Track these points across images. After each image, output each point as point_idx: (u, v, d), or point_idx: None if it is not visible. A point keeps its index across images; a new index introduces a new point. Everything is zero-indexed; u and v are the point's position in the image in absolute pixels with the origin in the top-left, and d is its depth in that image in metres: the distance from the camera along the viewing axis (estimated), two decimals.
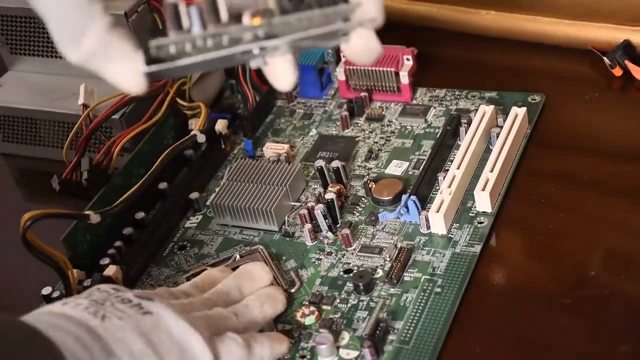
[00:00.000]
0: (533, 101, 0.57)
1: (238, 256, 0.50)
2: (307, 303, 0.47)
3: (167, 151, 0.55)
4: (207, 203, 0.54)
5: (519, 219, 0.50)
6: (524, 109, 0.54)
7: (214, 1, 0.33)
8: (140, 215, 0.53)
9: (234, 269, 0.49)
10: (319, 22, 0.33)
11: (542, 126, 0.55)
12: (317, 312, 0.46)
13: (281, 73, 0.36)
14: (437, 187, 0.52)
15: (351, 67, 0.59)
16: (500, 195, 0.51)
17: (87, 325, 0.37)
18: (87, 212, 0.49)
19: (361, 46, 0.36)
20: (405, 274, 0.48)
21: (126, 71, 0.35)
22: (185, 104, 0.58)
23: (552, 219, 0.49)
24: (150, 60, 0.34)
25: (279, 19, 0.33)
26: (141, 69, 0.34)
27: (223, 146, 0.58)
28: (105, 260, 0.50)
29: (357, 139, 0.57)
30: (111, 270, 0.49)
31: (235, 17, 0.33)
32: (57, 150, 0.62)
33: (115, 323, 0.38)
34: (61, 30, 0.34)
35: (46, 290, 0.49)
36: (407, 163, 0.54)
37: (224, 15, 0.33)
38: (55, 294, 0.49)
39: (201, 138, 0.57)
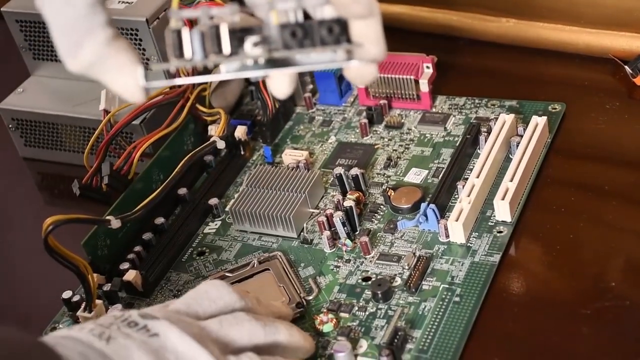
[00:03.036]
0: (553, 110, 0.56)
1: (256, 262, 0.51)
2: (325, 310, 0.47)
3: (187, 157, 0.55)
4: (226, 209, 0.55)
5: (538, 229, 0.49)
6: (544, 118, 0.54)
7: (217, 28, 0.33)
8: (159, 220, 0.53)
9: (249, 277, 0.50)
10: (320, 59, 0.34)
11: (563, 135, 0.55)
12: (335, 320, 0.46)
13: (278, 85, 0.36)
14: (457, 196, 0.51)
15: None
16: (520, 204, 0.50)
17: (92, 346, 0.37)
18: (107, 217, 0.50)
19: (356, 71, 0.36)
20: (423, 282, 0.48)
21: (124, 83, 0.35)
22: (205, 110, 0.59)
23: (572, 228, 0.49)
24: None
25: (281, 53, 0.33)
26: (140, 83, 0.34)
27: (242, 152, 0.58)
28: (125, 265, 0.50)
29: (376, 147, 0.57)
30: (131, 275, 0.50)
31: (238, 38, 0.33)
32: (78, 155, 0.62)
33: (121, 343, 0.37)
34: (62, 40, 0.35)
35: (66, 294, 0.49)
36: (427, 171, 0.54)
37: (226, 47, 0.33)
38: (76, 298, 0.49)
39: (221, 144, 0.57)
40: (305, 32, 0.33)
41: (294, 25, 0.33)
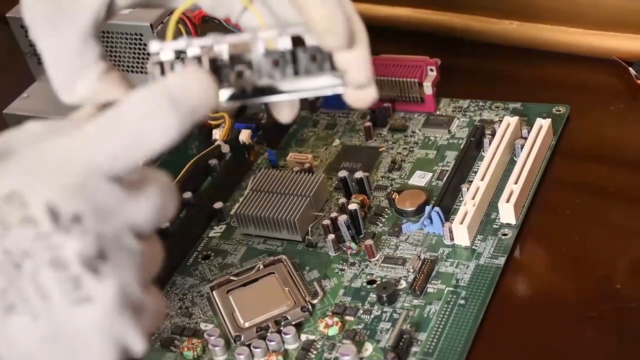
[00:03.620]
0: (558, 112, 0.56)
1: (261, 266, 0.51)
2: (330, 314, 0.47)
3: (191, 161, 0.55)
4: (231, 213, 0.55)
5: (543, 231, 0.49)
6: (549, 120, 0.54)
7: (199, 59, 0.33)
8: (165, 224, 0.53)
9: (254, 281, 0.50)
10: (306, 86, 0.34)
11: (567, 137, 0.55)
12: (340, 323, 0.46)
13: (279, 112, 0.36)
14: (461, 199, 0.51)
15: (375, 77, 0.58)
16: (525, 206, 0.50)
17: None
18: None
19: (352, 96, 0.35)
20: (428, 285, 0.48)
21: None
22: (209, 114, 0.59)
23: (577, 230, 0.49)
24: None
25: (264, 82, 0.33)
26: None
27: (247, 156, 0.59)
28: None
29: (380, 150, 0.57)
30: None
31: (224, 67, 0.33)
32: None
33: (18, 330, 0.28)
34: (56, 75, 0.35)
35: None
36: (431, 174, 0.54)
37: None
38: None
39: (225, 148, 0.57)
40: (288, 60, 0.33)
41: (277, 54, 0.33)
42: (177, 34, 0.59)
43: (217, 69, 0.33)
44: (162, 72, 0.33)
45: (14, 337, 0.27)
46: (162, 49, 0.32)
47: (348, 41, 0.33)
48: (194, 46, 0.32)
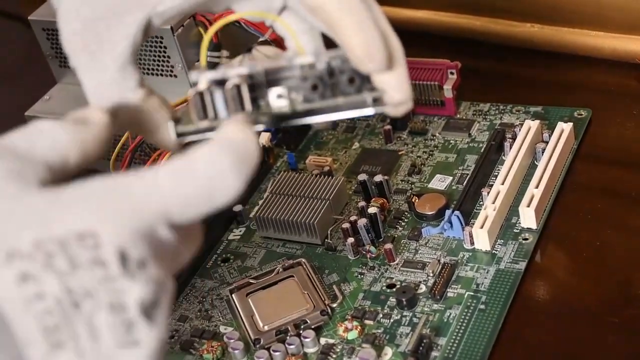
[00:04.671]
0: (579, 116, 0.56)
1: (281, 269, 0.51)
2: (349, 317, 0.47)
3: None
4: (251, 216, 0.55)
5: (564, 236, 0.49)
6: (570, 124, 0.53)
7: (238, 88, 0.33)
8: None
9: (274, 284, 0.50)
10: (344, 107, 0.34)
11: (589, 141, 0.54)
12: (359, 327, 0.46)
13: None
14: (481, 203, 0.51)
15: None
16: (546, 211, 0.50)
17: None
18: None
19: (389, 111, 0.35)
20: (448, 289, 0.47)
21: (158, 141, 0.36)
22: None
23: (599, 235, 0.49)
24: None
25: (303, 106, 0.34)
26: (171, 137, 0.35)
27: (266, 159, 0.59)
28: None
29: (400, 153, 0.57)
30: None
31: (262, 92, 0.34)
32: (104, 162, 0.62)
33: None
34: (95, 102, 0.35)
35: None
36: (451, 178, 0.54)
37: (247, 105, 0.33)
38: None
39: None
40: (327, 84, 0.34)
41: (315, 78, 0.34)
42: (198, 37, 0.59)
43: (254, 92, 0.33)
44: (202, 101, 0.33)
45: None
46: (200, 80, 0.33)
47: (387, 64, 0.33)
48: (232, 77, 0.33)
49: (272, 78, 0.34)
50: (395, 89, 0.34)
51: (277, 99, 0.34)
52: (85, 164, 0.31)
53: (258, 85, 0.34)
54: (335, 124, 0.61)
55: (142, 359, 0.28)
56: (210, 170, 0.29)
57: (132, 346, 0.27)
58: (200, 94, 0.33)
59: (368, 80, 0.34)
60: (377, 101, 0.34)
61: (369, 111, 0.34)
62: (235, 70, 0.33)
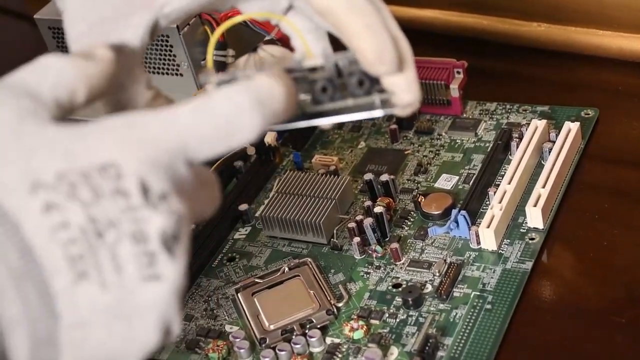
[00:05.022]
0: (586, 116, 0.56)
1: (286, 268, 0.51)
2: (355, 317, 0.47)
3: (217, 163, 0.55)
4: (256, 215, 0.55)
5: (571, 236, 0.49)
6: (577, 123, 0.53)
7: None
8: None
9: (279, 283, 0.49)
10: (353, 109, 0.34)
11: (596, 141, 0.54)
12: (365, 327, 0.46)
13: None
14: (488, 202, 0.51)
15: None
16: (553, 211, 0.50)
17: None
18: None
19: (398, 111, 0.36)
20: (454, 289, 0.47)
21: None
22: None
23: (606, 235, 0.48)
24: None
25: (312, 108, 0.34)
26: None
27: (272, 158, 0.58)
28: None
29: (406, 152, 0.57)
30: None
31: None
32: None
33: (84, 296, 0.27)
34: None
35: None
36: (457, 177, 0.54)
37: None
38: None
39: (251, 150, 0.57)
40: (336, 86, 0.34)
41: (325, 80, 0.34)
42: (204, 36, 0.59)
43: None
44: None
45: (79, 302, 0.27)
46: (209, 81, 0.33)
47: (397, 67, 0.33)
48: (241, 79, 0.33)
49: None
50: (404, 91, 0.34)
51: None
52: (92, 100, 0.31)
53: None
54: (341, 123, 0.60)
55: (164, 293, 0.28)
56: (228, 108, 0.29)
57: (154, 280, 0.28)
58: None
59: (377, 82, 0.34)
60: (386, 103, 0.34)
61: (378, 113, 0.34)
62: (243, 73, 0.33)
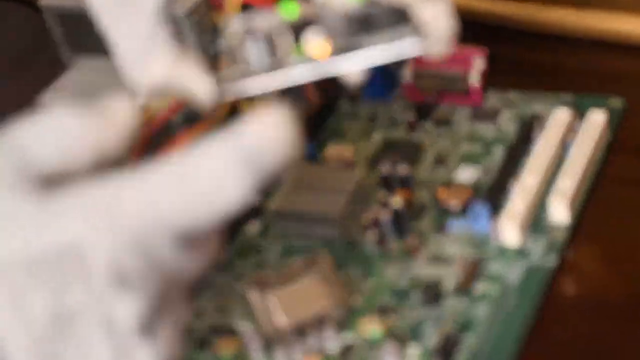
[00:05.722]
0: (613, 105, 0.54)
1: (300, 264, 0.49)
2: (372, 314, 0.45)
3: None
4: (269, 209, 0.53)
5: (598, 230, 0.47)
6: (603, 114, 0.51)
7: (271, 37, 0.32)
8: None
9: (293, 279, 0.48)
10: (381, 41, 0.32)
11: (623, 132, 0.52)
12: (382, 324, 0.45)
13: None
14: (510, 196, 0.49)
15: (419, 68, 0.57)
16: (578, 204, 0.48)
17: None
18: None
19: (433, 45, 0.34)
20: (475, 285, 0.46)
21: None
22: (245, 104, 0.57)
23: (634, 229, 0.47)
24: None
25: (339, 43, 0.32)
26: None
27: None
28: None
29: (424, 144, 0.55)
30: None
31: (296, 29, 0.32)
32: None
33: None
34: (129, 59, 0.35)
35: None
36: (478, 170, 0.52)
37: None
38: None
39: None
40: (364, 24, 0.32)
41: (350, 19, 0.32)
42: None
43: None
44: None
45: None
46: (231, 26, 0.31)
47: None
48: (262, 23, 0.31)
49: (299, 24, 0.32)
50: (436, 19, 0.32)
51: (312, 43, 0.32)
52: (102, 163, 0.28)
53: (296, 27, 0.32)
54: (356, 109, 0.59)
55: None
56: (207, 171, 0.27)
57: None
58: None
59: (404, 15, 0.32)
60: (416, 32, 0.32)
61: (409, 46, 0.32)
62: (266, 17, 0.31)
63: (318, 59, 0.32)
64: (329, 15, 0.32)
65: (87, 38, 0.63)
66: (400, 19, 0.32)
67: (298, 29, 0.32)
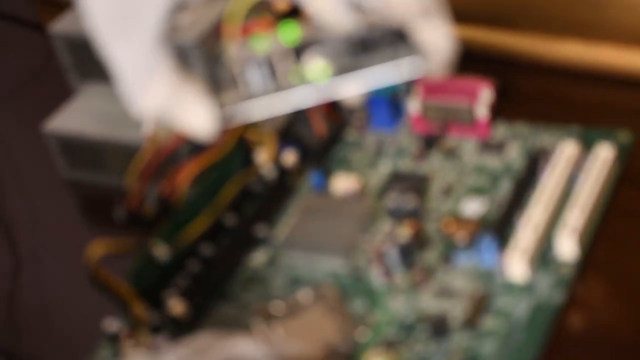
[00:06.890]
0: (621, 139, 0.54)
1: (306, 295, 0.49)
2: (378, 347, 0.45)
3: (234, 183, 0.54)
4: (275, 239, 0.53)
5: (607, 265, 0.47)
6: (611, 147, 0.51)
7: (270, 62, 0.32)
8: (205, 249, 0.52)
9: (298, 310, 0.48)
10: (379, 61, 0.32)
11: (632, 165, 0.52)
12: (388, 357, 0.44)
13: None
14: (517, 229, 0.49)
15: (426, 100, 0.57)
16: (586, 239, 0.48)
17: None
18: (153, 246, 0.48)
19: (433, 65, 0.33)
20: (482, 320, 0.45)
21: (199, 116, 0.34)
22: (252, 132, 0.57)
23: None
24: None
25: (338, 63, 0.32)
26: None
27: (291, 179, 0.57)
28: (170, 296, 0.49)
29: (431, 176, 0.55)
30: (175, 305, 0.48)
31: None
32: (122, 178, 0.61)
33: None
34: (129, 82, 0.34)
35: (108, 325, 0.48)
36: (485, 202, 0.52)
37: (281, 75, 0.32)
38: (114, 328, 0.48)
39: (269, 171, 0.55)
40: (364, 45, 0.32)
41: (352, 41, 0.32)
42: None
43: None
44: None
45: None
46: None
47: (424, 11, 0.31)
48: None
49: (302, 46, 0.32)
50: (435, 41, 0.32)
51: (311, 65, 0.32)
52: None
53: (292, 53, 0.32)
54: (361, 140, 0.59)
55: None
56: None
57: None
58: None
59: (403, 36, 0.32)
60: (416, 54, 0.32)
61: (409, 67, 0.32)
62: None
63: (319, 81, 0.32)
64: (329, 38, 0.32)
65: (95, 64, 0.63)
66: (400, 40, 0.32)
67: (298, 51, 0.32)
